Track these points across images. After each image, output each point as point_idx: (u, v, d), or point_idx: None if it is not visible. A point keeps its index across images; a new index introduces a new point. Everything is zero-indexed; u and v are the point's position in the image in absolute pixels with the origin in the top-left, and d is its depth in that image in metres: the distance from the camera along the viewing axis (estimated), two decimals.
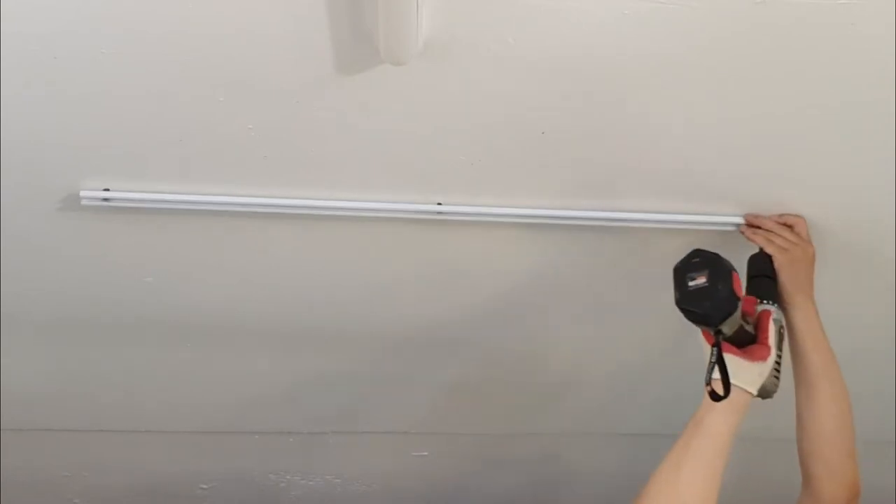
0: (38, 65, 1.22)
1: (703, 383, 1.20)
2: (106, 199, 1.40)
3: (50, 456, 2.15)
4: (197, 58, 1.21)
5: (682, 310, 1.21)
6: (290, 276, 1.63)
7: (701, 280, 1.20)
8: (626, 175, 1.42)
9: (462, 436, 2.11)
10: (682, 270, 1.22)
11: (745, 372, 1.22)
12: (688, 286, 1.20)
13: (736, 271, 1.22)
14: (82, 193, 1.40)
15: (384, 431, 2.11)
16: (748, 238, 1.44)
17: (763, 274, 1.41)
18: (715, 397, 1.17)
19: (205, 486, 2.30)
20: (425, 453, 2.18)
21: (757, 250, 1.45)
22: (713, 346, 1.20)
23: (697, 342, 1.26)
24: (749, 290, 1.38)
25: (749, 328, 1.27)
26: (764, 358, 1.25)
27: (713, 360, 1.19)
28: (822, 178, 1.42)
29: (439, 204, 1.45)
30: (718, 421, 1.20)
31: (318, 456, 2.20)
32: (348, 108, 1.28)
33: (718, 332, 1.21)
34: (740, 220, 1.48)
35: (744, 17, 1.15)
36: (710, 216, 1.48)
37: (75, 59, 1.21)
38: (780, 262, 1.40)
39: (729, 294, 1.20)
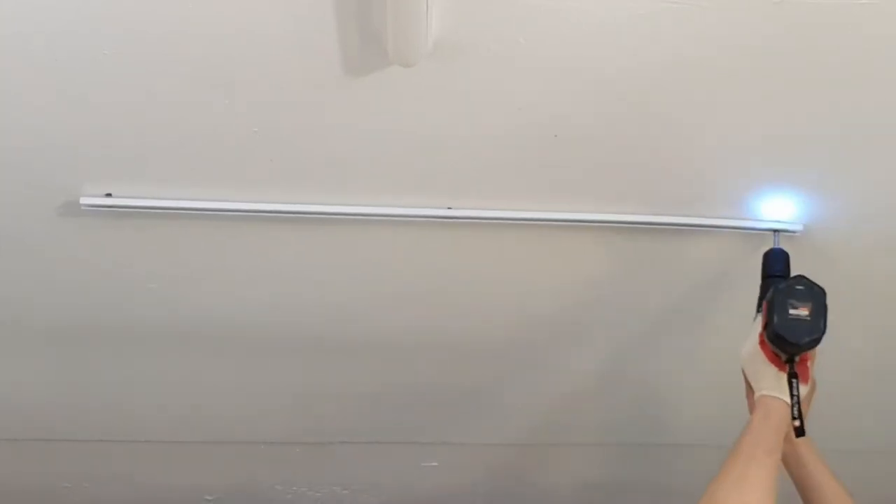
0: (39, 66, 1.21)
1: (791, 418, 1.26)
2: (107, 205, 1.40)
3: (51, 466, 2.15)
4: (200, 59, 1.20)
5: (774, 335, 1.26)
6: (296, 282, 1.62)
7: (803, 311, 1.26)
8: (641, 177, 1.41)
9: (471, 446, 2.10)
10: (785, 295, 1.26)
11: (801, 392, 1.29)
12: (788, 313, 1.25)
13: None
14: (82, 200, 1.39)
15: (392, 442, 2.11)
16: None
17: (783, 275, 1.40)
18: (800, 433, 1.25)
19: (209, 498, 2.30)
20: (434, 464, 2.18)
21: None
22: (789, 376, 1.27)
23: (744, 354, 1.32)
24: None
25: None
26: (806, 380, 1.32)
27: (795, 395, 1.26)
28: (840, 180, 1.41)
29: (449, 208, 1.44)
30: (775, 437, 1.25)
31: (325, 467, 2.20)
32: (356, 109, 1.28)
33: (792, 363, 1.27)
34: (755, 224, 1.47)
35: (761, 16, 1.14)
36: (721, 220, 1.47)
37: (76, 60, 1.20)
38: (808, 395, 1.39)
39: (824, 331, 1.26)
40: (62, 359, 1.79)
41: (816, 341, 1.26)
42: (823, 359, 1.78)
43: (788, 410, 1.27)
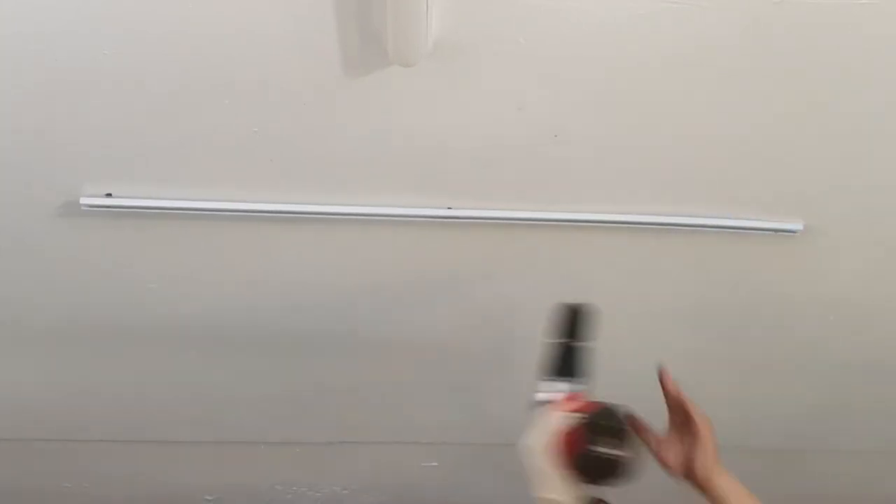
0: (39, 67, 1.21)
1: None
2: (107, 205, 1.39)
3: (51, 466, 2.15)
4: (200, 59, 1.20)
5: (584, 467, 1.13)
6: (296, 282, 1.62)
7: (621, 451, 1.13)
8: (640, 178, 1.41)
9: (472, 446, 2.10)
10: (608, 431, 1.14)
11: None
12: (596, 450, 1.12)
13: None
14: (82, 200, 1.39)
15: (393, 442, 2.10)
16: (669, 387, 1.32)
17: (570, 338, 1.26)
18: None
19: (210, 498, 2.30)
20: (435, 464, 2.18)
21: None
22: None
23: (530, 445, 1.20)
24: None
25: None
26: None
27: None
28: (840, 180, 1.41)
29: (449, 208, 1.44)
30: None
31: (325, 467, 2.20)
32: (356, 109, 1.27)
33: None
34: (755, 224, 1.47)
35: (760, 16, 1.14)
36: (714, 219, 1.47)
37: (76, 61, 1.19)
38: (708, 429, 1.26)
39: (633, 473, 1.14)
40: (62, 359, 1.79)
41: (625, 482, 1.14)
42: (824, 359, 1.80)
43: None
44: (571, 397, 1.20)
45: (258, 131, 1.30)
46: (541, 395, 1.22)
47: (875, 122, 1.30)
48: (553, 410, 1.19)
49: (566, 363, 1.24)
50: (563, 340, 1.25)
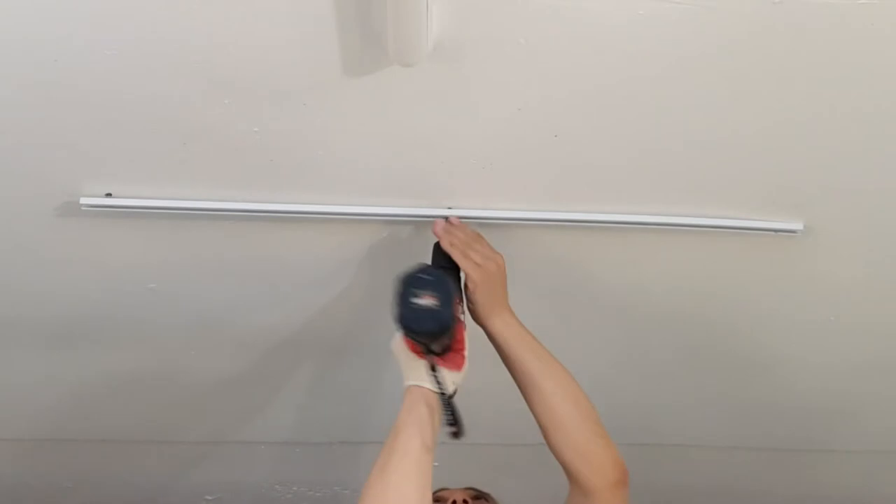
0: (39, 67, 1.20)
1: (446, 426, 1.24)
2: (107, 205, 1.39)
3: (52, 466, 2.14)
4: (200, 59, 1.19)
5: (401, 325, 1.21)
6: (296, 282, 1.61)
7: (428, 300, 1.20)
8: (640, 177, 1.41)
9: (471, 446, 2.09)
10: (408, 284, 1.22)
11: (448, 381, 1.26)
12: (411, 302, 1.20)
13: (459, 293, 1.26)
14: (82, 200, 1.39)
15: None
16: (444, 247, 1.38)
17: (446, 266, 1.36)
18: (458, 435, 1.24)
19: (210, 498, 2.29)
20: (436, 464, 2.17)
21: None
22: (430, 367, 1.24)
23: (393, 347, 1.30)
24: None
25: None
26: (460, 367, 1.29)
27: (443, 391, 1.23)
28: (840, 180, 1.41)
29: (449, 208, 1.43)
30: (417, 428, 1.23)
31: (325, 467, 2.20)
32: (356, 110, 1.27)
33: (430, 351, 1.24)
34: (755, 224, 1.46)
35: (761, 17, 1.14)
36: (721, 220, 1.47)
37: (76, 60, 1.19)
38: (475, 279, 1.35)
39: (452, 318, 1.22)
40: (62, 358, 1.79)
41: (446, 329, 1.22)
42: (823, 358, 1.79)
43: (435, 398, 1.25)
44: None
45: (258, 131, 1.30)
46: None
47: (876, 123, 1.30)
48: None
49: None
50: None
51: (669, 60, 1.20)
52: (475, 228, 1.46)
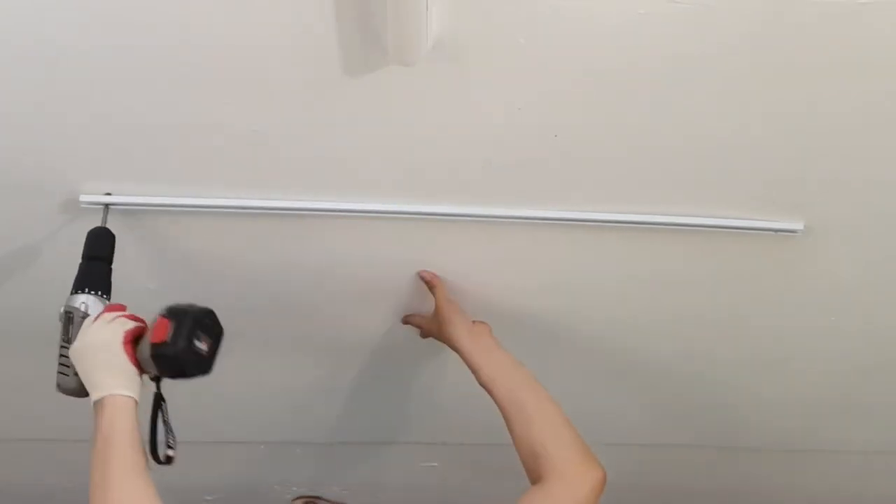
0: (39, 66, 1.20)
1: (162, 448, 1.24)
2: (107, 203, 1.39)
3: (51, 466, 2.14)
4: (200, 58, 1.19)
5: (170, 357, 1.21)
6: (296, 280, 1.61)
7: (204, 346, 1.24)
8: (640, 177, 1.41)
9: (472, 446, 2.10)
10: (195, 325, 1.23)
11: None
12: (193, 343, 1.22)
13: None
14: (82, 198, 1.39)
15: (393, 442, 2.10)
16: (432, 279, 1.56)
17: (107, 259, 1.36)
18: (169, 461, 1.23)
19: (209, 498, 2.29)
20: (434, 464, 2.17)
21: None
22: (158, 397, 1.25)
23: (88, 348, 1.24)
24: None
25: None
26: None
27: (167, 421, 1.25)
28: (840, 180, 1.41)
29: (449, 208, 1.44)
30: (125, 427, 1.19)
31: (325, 467, 2.19)
32: (355, 109, 1.27)
33: (159, 381, 1.25)
34: (755, 224, 1.46)
35: (761, 16, 1.14)
36: (714, 219, 1.47)
37: (76, 59, 1.19)
38: (442, 305, 1.55)
39: (209, 373, 1.25)
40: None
41: (197, 376, 1.25)
42: (823, 358, 1.79)
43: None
44: (112, 308, 1.30)
45: (258, 131, 1.30)
46: (77, 306, 1.30)
47: (876, 122, 1.30)
48: (107, 315, 1.26)
49: (86, 277, 1.33)
50: (87, 259, 1.35)
51: (669, 60, 1.20)
52: (475, 228, 1.47)
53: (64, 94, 1.25)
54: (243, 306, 1.67)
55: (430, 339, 1.66)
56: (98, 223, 1.40)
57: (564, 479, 1.33)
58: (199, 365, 1.24)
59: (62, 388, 1.30)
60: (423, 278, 1.57)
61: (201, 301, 1.55)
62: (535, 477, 1.37)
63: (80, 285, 1.33)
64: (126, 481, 1.15)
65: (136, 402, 1.21)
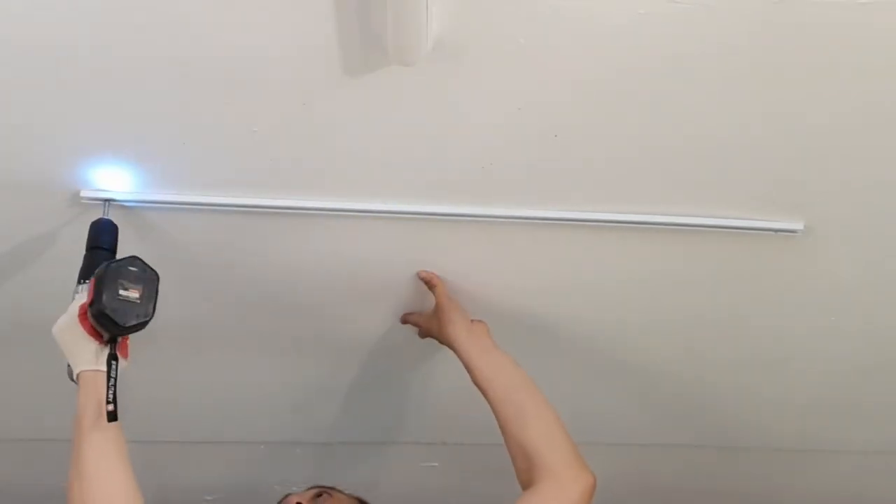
0: (39, 66, 1.20)
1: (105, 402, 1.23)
2: (107, 199, 1.39)
3: (51, 466, 2.13)
4: (200, 58, 1.19)
5: (100, 313, 1.22)
6: (296, 280, 1.61)
7: (133, 293, 1.24)
8: (640, 177, 1.41)
9: (472, 446, 2.09)
10: (116, 274, 1.23)
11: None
12: (118, 293, 1.22)
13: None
14: (83, 193, 1.39)
15: (393, 442, 2.10)
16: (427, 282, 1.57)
17: (110, 249, 1.37)
18: (112, 418, 1.22)
19: (209, 498, 2.29)
20: (435, 464, 2.17)
21: None
22: (109, 357, 1.24)
23: (61, 327, 1.28)
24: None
25: None
26: (127, 356, 1.31)
27: (114, 376, 1.23)
28: (840, 180, 1.41)
29: (450, 207, 1.44)
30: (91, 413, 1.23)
31: (324, 467, 2.19)
32: (355, 109, 1.27)
33: (114, 343, 1.25)
34: (755, 224, 1.46)
35: (761, 16, 1.14)
36: (714, 219, 1.47)
37: (77, 59, 1.19)
38: (443, 303, 1.55)
39: (152, 316, 1.25)
40: (61, 357, 1.78)
41: (143, 325, 1.25)
42: (823, 358, 1.79)
43: (103, 380, 1.24)
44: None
45: (258, 131, 1.30)
46: (76, 297, 1.31)
47: (877, 122, 1.30)
48: (79, 300, 1.29)
49: (90, 268, 1.32)
50: (89, 250, 1.36)
51: (669, 60, 1.20)
52: (475, 228, 1.47)
53: (65, 94, 1.25)
54: (243, 306, 1.67)
55: (430, 339, 1.66)
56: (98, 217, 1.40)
57: (558, 481, 1.35)
58: (133, 312, 1.23)
59: (69, 376, 1.32)
60: (422, 277, 1.57)
61: (201, 300, 1.55)
62: (525, 479, 1.39)
63: (80, 276, 1.35)
64: (85, 441, 1.25)
65: (101, 371, 1.25)
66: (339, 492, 1.58)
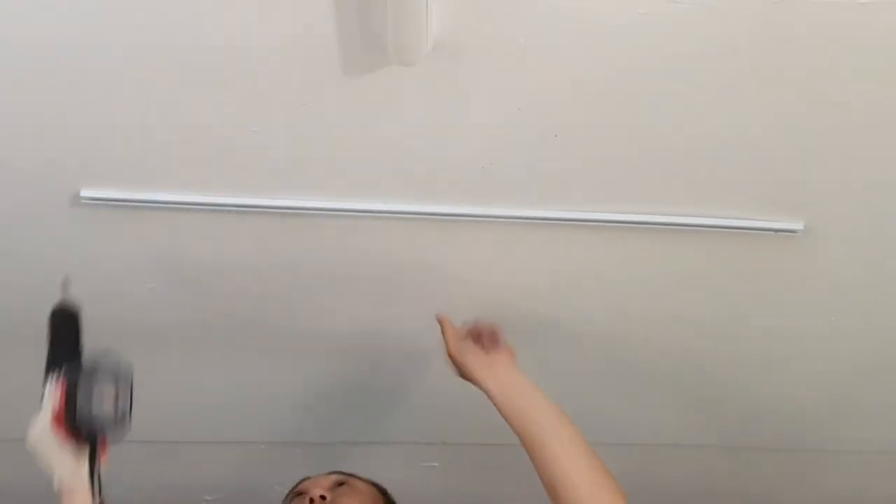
0: (39, 65, 1.21)
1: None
2: (108, 198, 1.40)
3: None
4: (200, 58, 1.20)
5: (76, 425, 1.14)
6: (296, 280, 1.61)
7: (108, 400, 1.15)
8: (640, 177, 1.41)
9: (472, 446, 2.09)
10: (89, 379, 1.15)
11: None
12: (92, 400, 1.14)
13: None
14: (82, 192, 1.39)
15: (393, 442, 2.09)
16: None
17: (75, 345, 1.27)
18: None
19: (209, 498, 2.29)
20: (435, 464, 2.17)
21: None
22: (91, 471, 1.18)
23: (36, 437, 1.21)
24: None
25: None
26: (105, 459, 1.24)
27: (97, 483, 1.18)
28: (840, 180, 1.41)
29: (450, 208, 1.44)
30: None
31: (325, 467, 2.18)
32: (355, 109, 1.27)
33: (94, 453, 1.18)
34: (755, 224, 1.46)
35: (761, 16, 1.14)
36: (714, 219, 1.47)
37: (77, 59, 1.19)
38: (458, 358, 1.47)
39: (130, 414, 1.18)
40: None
41: (121, 427, 1.17)
42: (823, 358, 1.79)
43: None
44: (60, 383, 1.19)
45: (258, 131, 1.30)
46: (46, 393, 1.22)
47: (877, 122, 1.30)
48: (49, 400, 1.20)
49: (58, 357, 1.23)
50: (54, 336, 1.26)
51: (669, 60, 1.20)
52: (475, 228, 1.47)
53: (65, 94, 1.25)
54: (243, 306, 1.67)
55: (430, 339, 1.65)
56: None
57: None
58: (111, 417, 1.16)
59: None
60: (437, 319, 1.51)
61: (201, 300, 1.55)
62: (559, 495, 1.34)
63: (47, 365, 1.25)
64: None
65: (81, 478, 1.19)
66: (358, 478, 1.56)
